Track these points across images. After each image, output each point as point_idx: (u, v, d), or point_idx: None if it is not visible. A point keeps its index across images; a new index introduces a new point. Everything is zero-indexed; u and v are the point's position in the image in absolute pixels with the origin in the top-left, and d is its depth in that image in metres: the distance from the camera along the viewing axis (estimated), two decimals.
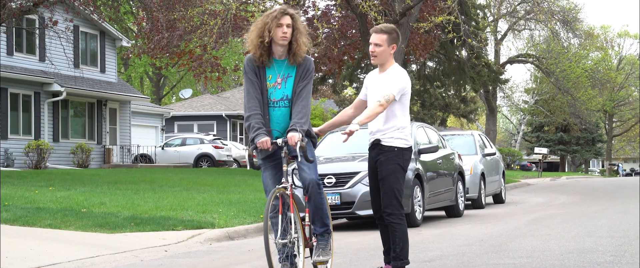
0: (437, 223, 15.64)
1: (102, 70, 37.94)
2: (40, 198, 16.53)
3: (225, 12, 28.41)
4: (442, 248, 10.67)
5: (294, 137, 7.23)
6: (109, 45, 38.33)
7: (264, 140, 7.27)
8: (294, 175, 7.68)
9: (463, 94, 53.99)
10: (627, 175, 78.39)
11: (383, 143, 7.81)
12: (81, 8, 28.31)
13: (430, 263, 9.18)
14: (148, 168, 35.11)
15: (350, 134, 7.50)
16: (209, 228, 13.23)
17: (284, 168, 7.39)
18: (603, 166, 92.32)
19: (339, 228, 15.22)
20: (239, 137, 53.51)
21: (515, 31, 57.94)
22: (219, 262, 10.16)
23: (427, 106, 52.51)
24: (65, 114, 35.27)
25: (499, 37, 56.60)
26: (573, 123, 66.44)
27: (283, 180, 7.39)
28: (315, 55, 31.56)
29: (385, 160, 7.78)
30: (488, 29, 50.87)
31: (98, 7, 28.31)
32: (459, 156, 18.37)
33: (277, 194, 7.25)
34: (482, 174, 20.59)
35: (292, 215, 7.34)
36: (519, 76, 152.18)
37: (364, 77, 29.45)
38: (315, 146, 7.68)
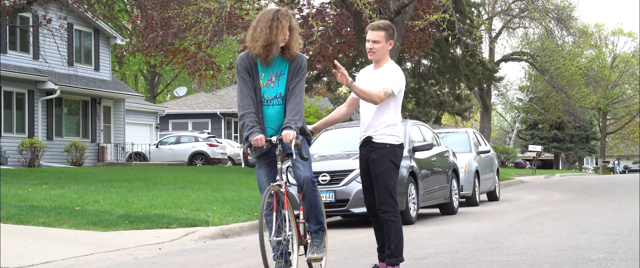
0: (431, 221, 15.65)
1: (96, 68, 37.89)
2: (34, 196, 16.51)
3: (219, 10, 28.40)
4: (437, 246, 10.68)
5: (289, 134, 7.22)
6: (103, 43, 38.28)
7: (258, 138, 7.27)
8: (288, 173, 7.68)
9: (457, 92, 54.05)
10: (621, 172, 78.52)
11: (374, 140, 7.78)
12: (75, 6, 28.27)
13: (425, 261, 9.19)
14: (142, 166, 35.08)
15: (342, 72, 7.37)
16: (203, 226, 13.22)
17: (279, 166, 7.39)
18: (597, 164, 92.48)
19: (333, 225, 15.22)
20: (233, 135, 53.51)
21: (510, 29, 58.05)
22: (213, 260, 10.15)
23: (421, 104, 52.56)
24: (59, 112, 35.22)
25: (493, 35, 56.67)
26: (567, 121, 66.55)
27: (277, 177, 7.39)
28: (310, 53, 31.57)
29: (377, 158, 7.76)
30: (482, 27, 50.90)
31: (92, 5, 28.28)
32: (454, 154, 18.39)
33: (272, 192, 7.25)
34: (477, 172, 20.61)
35: (286, 212, 7.34)
36: (514, 74, 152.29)
37: None
38: (309, 144, 7.67)
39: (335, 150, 15.63)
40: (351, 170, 14.26)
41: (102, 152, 37.03)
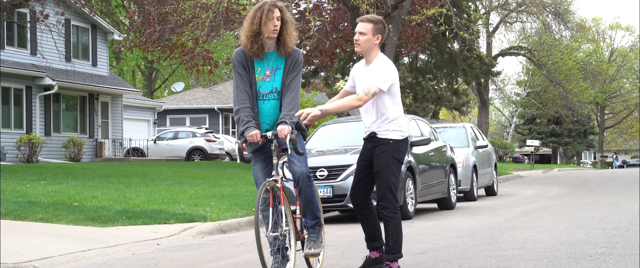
0: (429, 216, 15.66)
1: (94, 64, 37.86)
2: (31, 192, 16.50)
3: (217, 5, 28.37)
4: (434, 241, 10.68)
5: (284, 129, 7.21)
6: (100, 39, 38.25)
7: (254, 133, 7.27)
8: (284, 168, 7.67)
9: (455, 87, 54.07)
10: (620, 167, 78.56)
11: (379, 136, 7.78)
12: (72, 1, 28.26)
13: (422, 256, 9.19)
14: (140, 161, 35.08)
15: (308, 117, 7.35)
16: (201, 222, 13.22)
17: (274, 161, 7.37)
18: (595, 158, 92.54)
19: (331, 221, 15.22)
20: (231, 130, 53.48)
21: (507, 23, 58.00)
22: (211, 255, 10.15)
23: (419, 99, 52.56)
24: (57, 107, 35.20)
25: (490, 29, 56.66)
26: (565, 115, 66.58)
27: (273, 173, 7.38)
28: (307, 48, 31.55)
29: (380, 153, 7.76)
30: (480, 22, 50.89)
31: (89, 1, 28.25)
32: (451, 148, 18.38)
33: (268, 187, 7.25)
34: (475, 166, 20.61)
35: (283, 208, 7.33)
36: (511, 68, 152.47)
37: None
38: (305, 139, 7.67)
39: (332, 145, 15.62)
40: (349, 165, 14.24)
41: (100, 147, 37.02)
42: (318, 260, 7.85)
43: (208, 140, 42.18)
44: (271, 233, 7.24)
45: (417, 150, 15.63)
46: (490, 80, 55.59)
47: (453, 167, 17.83)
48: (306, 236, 7.60)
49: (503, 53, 57.91)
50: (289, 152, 7.30)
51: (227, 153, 43.29)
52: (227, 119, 53.63)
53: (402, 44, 34.12)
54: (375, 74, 7.63)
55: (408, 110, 51.18)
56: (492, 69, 50.37)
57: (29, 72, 32.89)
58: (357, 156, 14.33)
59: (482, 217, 14.64)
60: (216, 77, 61.92)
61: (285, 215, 7.36)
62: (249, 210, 14.86)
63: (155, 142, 42.52)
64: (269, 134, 7.32)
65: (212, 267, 9.17)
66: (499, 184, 25.51)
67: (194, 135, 42.88)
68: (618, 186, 25.15)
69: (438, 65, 44.30)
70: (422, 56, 46.57)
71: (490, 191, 22.81)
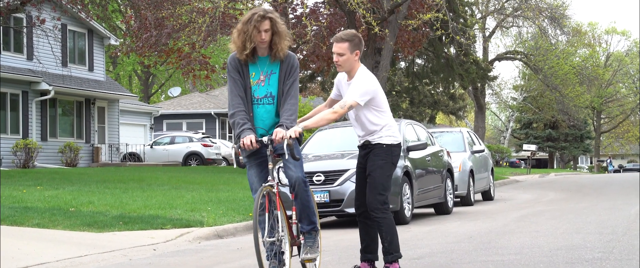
0: (426, 221, 15.65)
1: (90, 69, 37.84)
2: (28, 197, 16.47)
3: (213, 10, 28.36)
4: (431, 246, 10.68)
5: (281, 133, 7.21)
6: (97, 44, 38.23)
7: (248, 139, 7.24)
8: (280, 173, 7.67)
9: (451, 91, 54.06)
10: (616, 171, 78.60)
11: (372, 142, 7.87)
12: (69, 6, 28.21)
13: (419, 261, 9.18)
14: (137, 167, 35.04)
15: (286, 139, 7.27)
16: (198, 227, 13.20)
17: (270, 166, 7.37)
18: (591, 163, 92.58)
19: (327, 225, 15.22)
20: (228, 135, 53.46)
21: (503, 28, 58.13)
22: (207, 261, 10.14)
23: (415, 103, 52.58)
24: (54, 112, 35.16)
25: (487, 34, 56.72)
26: (561, 120, 66.63)
27: (269, 178, 7.37)
28: (304, 52, 31.56)
29: (373, 156, 7.85)
30: (476, 26, 50.93)
31: (86, 6, 28.22)
32: (448, 153, 18.38)
33: (264, 192, 7.24)
34: (471, 171, 20.61)
35: (278, 213, 7.33)
36: (507, 73, 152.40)
37: None
38: (300, 144, 7.67)
39: (329, 150, 15.62)
40: (345, 170, 14.24)
41: (97, 152, 36.98)
42: (314, 265, 7.85)
43: (205, 145, 42.17)
44: (268, 239, 7.23)
45: (413, 155, 15.63)
46: (486, 84, 55.62)
47: (450, 171, 17.83)
48: (302, 241, 7.60)
49: (499, 57, 57.96)
50: (286, 157, 7.30)
51: (224, 158, 43.27)
52: (224, 123, 53.62)
53: (399, 48, 34.13)
54: (353, 88, 7.68)
55: (405, 114, 51.19)
56: (489, 74, 50.41)
57: (26, 77, 32.86)
58: (353, 161, 14.43)
59: (479, 221, 14.63)
60: (213, 81, 61.96)
61: (281, 220, 7.35)
62: (246, 215, 14.85)
63: (151, 147, 42.49)
64: (265, 138, 7.31)
65: None
66: (495, 189, 25.51)
67: (191, 140, 42.85)
68: (615, 191, 25.17)
69: (434, 69, 44.31)
70: (418, 61, 46.58)
71: (487, 196, 22.80)
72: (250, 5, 29.25)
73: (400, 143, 7.95)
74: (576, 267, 8.20)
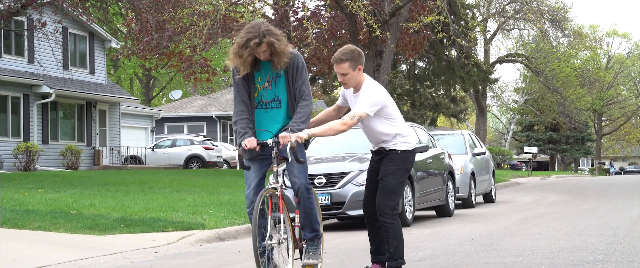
0: (427, 223, 15.65)
1: (92, 72, 37.85)
2: (29, 200, 16.47)
3: (214, 13, 28.39)
4: (433, 248, 10.68)
5: (285, 137, 7.19)
6: (98, 47, 38.24)
7: (249, 140, 7.22)
8: (284, 176, 7.65)
9: (453, 94, 54.10)
10: (617, 173, 78.56)
11: (387, 148, 7.89)
12: (70, 9, 28.23)
13: (421, 263, 9.18)
14: (138, 169, 35.04)
15: (295, 140, 7.26)
16: (199, 230, 13.20)
17: (274, 168, 7.35)
18: (593, 165, 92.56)
19: (329, 228, 15.21)
20: (229, 138, 53.46)
21: (505, 31, 58.11)
22: (209, 263, 10.14)
23: (417, 106, 52.58)
24: (55, 115, 35.17)
25: (488, 36, 56.72)
26: (562, 122, 66.61)
27: (273, 180, 7.35)
28: (305, 55, 31.55)
29: (387, 161, 7.86)
30: (477, 29, 50.95)
31: (87, 9, 28.24)
32: (449, 156, 18.38)
33: (266, 195, 7.22)
34: (472, 173, 20.60)
35: (281, 215, 7.31)
36: (509, 75, 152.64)
37: None
38: (306, 147, 7.64)
39: (331, 152, 15.62)
40: (347, 173, 14.25)
41: (98, 155, 36.99)
42: None
43: (206, 148, 42.16)
44: (268, 242, 7.20)
45: (415, 157, 15.61)
46: (487, 87, 55.60)
47: (451, 174, 17.83)
48: (304, 246, 7.58)
49: (500, 60, 57.95)
50: (290, 160, 7.28)
51: (225, 161, 43.27)
52: (225, 126, 53.61)
53: (400, 51, 34.14)
54: (362, 99, 7.68)
55: (406, 117, 51.19)
56: (490, 76, 50.39)
57: (27, 80, 32.87)
58: (355, 163, 14.46)
59: (480, 224, 14.63)
60: (214, 84, 61.95)
61: (284, 222, 7.33)
62: (247, 218, 14.83)
63: (153, 150, 42.49)
64: (270, 141, 7.29)
65: None
66: (497, 191, 25.51)
67: (192, 143, 42.86)
68: (616, 193, 25.16)
69: (436, 72, 44.32)
70: (419, 63, 46.60)
71: (488, 198, 22.80)
72: (251, 7, 29.27)
73: (414, 149, 7.99)
74: None
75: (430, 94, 52.02)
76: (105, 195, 18.46)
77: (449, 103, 54.61)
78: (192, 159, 41.79)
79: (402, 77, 49.23)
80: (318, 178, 14.26)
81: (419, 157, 15.87)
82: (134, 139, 43.85)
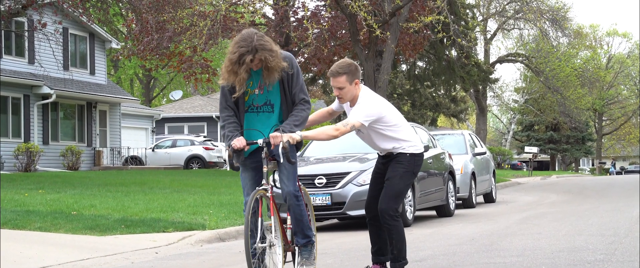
0: (428, 223, 15.65)
1: (92, 72, 37.86)
2: (30, 201, 16.48)
3: (214, 13, 28.39)
4: (434, 248, 10.68)
5: (277, 137, 7.14)
6: (98, 47, 38.25)
7: (237, 140, 7.17)
8: (275, 175, 7.59)
9: (453, 94, 54.08)
10: (618, 173, 78.56)
11: (395, 152, 7.89)
12: (70, 10, 28.23)
13: (422, 263, 9.18)
14: (138, 170, 35.05)
15: (287, 141, 7.21)
16: (200, 230, 13.20)
17: (265, 169, 7.25)
18: (593, 165, 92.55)
19: (329, 228, 15.21)
20: None
21: (505, 30, 58.12)
22: (209, 264, 10.14)
23: (417, 106, 52.57)
24: (55, 116, 35.18)
25: (488, 36, 56.72)
26: (563, 122, 66.61)
27: (263, 182, 7.29)
28: (306, 55, 31.57)
29: (396, 163, 7.87)
30: (477, 29, 50.94)
31: (87, 9, 28.23)
32: (450, 155, 18.37)
33: (257, 197, 7.16)
34: (473, 173, 20.60)
35: (272, 218, 7.26)
36: (509, 75, 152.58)
37: None
38: (299, 149, 7.59)
39: (331, 152, 15.61)
40: (347, 173, 14.24)
41: (98, 156, 37.00)
42: None
43: (206, 148, 42.18)
44: (260, 244, 7.12)
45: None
46: (488, 87, 55.61)
47: (451, 174, 17.82)
48: (297, 250, 7.52)
49: (501, 60, 57.96)
50: (282, 161, 7.23)
51: (226, 161, 43.27)
52: None
53: (400, 51, 34.13)
54: (357, 109, 7.67)
55: (406, 117, 50.75)
56: (490, 76, 50.39)
57: (27, 81, 32.88)
58: (355, 164, 14.47)
59: (480, 224, 14.63)
60: (214, 85, 61.79)
61: (274, 225, 7.28)
62: None
63: (153, 151, 42.50)
64: (260, 141, 7.24)
65: None
66: (497, 191, 25.51)
67: (193, 143, 42.87)
68: (616, 193, 25.16)
69: (436, 72, 44.32)
70: (420, 63, 46.60)
71: (488, 198, 22.80)
72: (251, 8, 29.26)
73: (423, 152, 8.00)
74: None
75: (430, 93, 52.01)
76: (105, 196, 18.46)
77: (449, 103, 54.60)
78: (193, 159, 41.81)
79: (402, 77, 49.22)
80: (318, 179, 14.25)
81: None
82: (134, 140, 43.86)
